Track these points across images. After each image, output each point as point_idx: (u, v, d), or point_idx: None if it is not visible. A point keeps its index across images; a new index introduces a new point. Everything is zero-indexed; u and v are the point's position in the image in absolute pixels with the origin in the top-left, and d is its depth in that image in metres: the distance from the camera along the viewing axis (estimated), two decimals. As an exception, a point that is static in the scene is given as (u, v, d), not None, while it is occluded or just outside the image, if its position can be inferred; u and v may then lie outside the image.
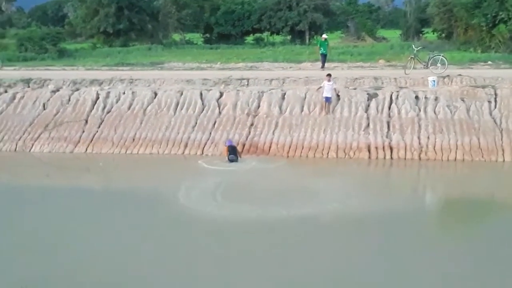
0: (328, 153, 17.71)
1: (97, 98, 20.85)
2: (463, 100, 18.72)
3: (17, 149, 19.39)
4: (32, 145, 19.44)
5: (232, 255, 10.52)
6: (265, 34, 51.82)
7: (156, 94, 20.71)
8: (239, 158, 17.31)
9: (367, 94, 19.47)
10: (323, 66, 25.40)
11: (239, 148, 17.81)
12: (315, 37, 50.43)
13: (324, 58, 25.72)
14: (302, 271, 9.63)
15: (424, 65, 22.74)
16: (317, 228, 12.01)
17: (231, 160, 17.04)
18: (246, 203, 13.30)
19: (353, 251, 10.55)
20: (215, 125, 19.17)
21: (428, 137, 17.68)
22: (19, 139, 19.68)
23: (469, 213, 13.54)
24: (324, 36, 27.60)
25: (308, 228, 11.86)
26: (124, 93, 21.00)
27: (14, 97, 21.56)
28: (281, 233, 11.59)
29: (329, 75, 19.38)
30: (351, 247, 10.76)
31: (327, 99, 18.92)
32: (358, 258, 10.24)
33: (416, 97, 19.05)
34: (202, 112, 19.76)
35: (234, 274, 9.66)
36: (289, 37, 49.94)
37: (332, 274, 9.64)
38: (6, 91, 22.07)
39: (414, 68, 22.68)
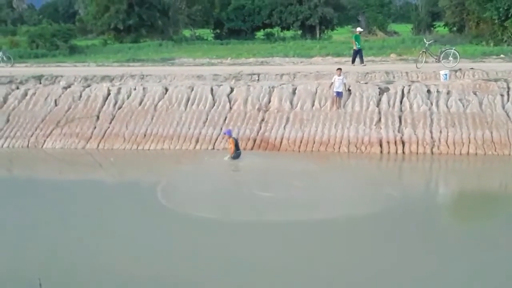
0: (339, 148, 17.65)
1: (108, 94, 20.92)
2: (475, 94, 18.58)
3: (29, 145, 19.48)
4: (44, 141, 19.53)
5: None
6: (275, 29, 51.74)
7: (167, 90, 20.74)
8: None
9: (379, 88, 19.37)
10: (362, 62, 24.09)
11: (249, 144, 17.71)
12: (325, 32, 50.39)
13: (360, 52, 24.31)
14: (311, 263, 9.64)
15: (436, 59, 22.61)
16: (325, 225, 11.97)
17: (236, 157, 16.53)
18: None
19: (368, 244, 10.52)
20: (226, 121, 19.16)
21: (440, 131, 17.57)
22: (31, 136, 19.79)
23: (483, 208, 13.42)
24: (359, 29, 26.47)
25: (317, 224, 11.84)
26: (135, 89, 21.04)
27: (26, 94, 21.68)
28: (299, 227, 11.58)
29: (339, 69, 19.30)
30: (365, 240, 10.74)
31: (338, 94, 18.84)
32: (373, 250, 10.22)
33: (428, 91, 18.93)
34: (213, 107, 19.77)
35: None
36: (299, 32, 49.90)
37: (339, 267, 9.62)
38: (18, 88, 22.19)
39: (425, 62, 22.56)
